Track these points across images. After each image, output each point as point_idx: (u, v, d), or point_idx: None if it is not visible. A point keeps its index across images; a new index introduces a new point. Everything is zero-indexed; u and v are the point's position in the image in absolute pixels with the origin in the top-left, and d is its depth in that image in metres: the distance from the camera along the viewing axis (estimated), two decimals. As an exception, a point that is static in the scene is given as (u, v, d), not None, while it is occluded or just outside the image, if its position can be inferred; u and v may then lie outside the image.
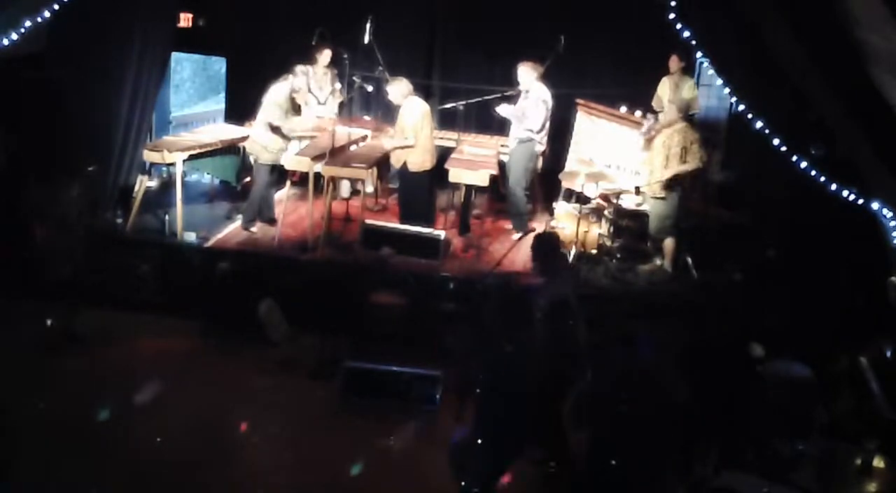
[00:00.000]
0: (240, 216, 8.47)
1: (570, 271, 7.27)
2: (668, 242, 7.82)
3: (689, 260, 7.83)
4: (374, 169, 8.57)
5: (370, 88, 9.32)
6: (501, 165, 8.64)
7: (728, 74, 7.06)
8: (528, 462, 5.07)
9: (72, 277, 7.27)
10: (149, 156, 8.16)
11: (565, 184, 8.57)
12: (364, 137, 9.04)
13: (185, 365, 6.64)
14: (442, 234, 7.79)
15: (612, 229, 8.06)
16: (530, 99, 8.26)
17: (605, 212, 8.12)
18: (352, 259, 7.78)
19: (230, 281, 7.37)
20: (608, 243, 8.03)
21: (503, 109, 8.39)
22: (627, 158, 8.66)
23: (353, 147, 8.70)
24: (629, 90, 9.32)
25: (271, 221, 8.36)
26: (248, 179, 8.76)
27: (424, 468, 5.56)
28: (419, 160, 8.04)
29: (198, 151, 8.26)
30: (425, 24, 10.22)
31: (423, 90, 9.44)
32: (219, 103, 10.75)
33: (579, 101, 9.14)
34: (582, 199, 8.01)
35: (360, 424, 6.05)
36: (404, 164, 8.10)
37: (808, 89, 6.19)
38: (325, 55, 9.01)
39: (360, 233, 7.97)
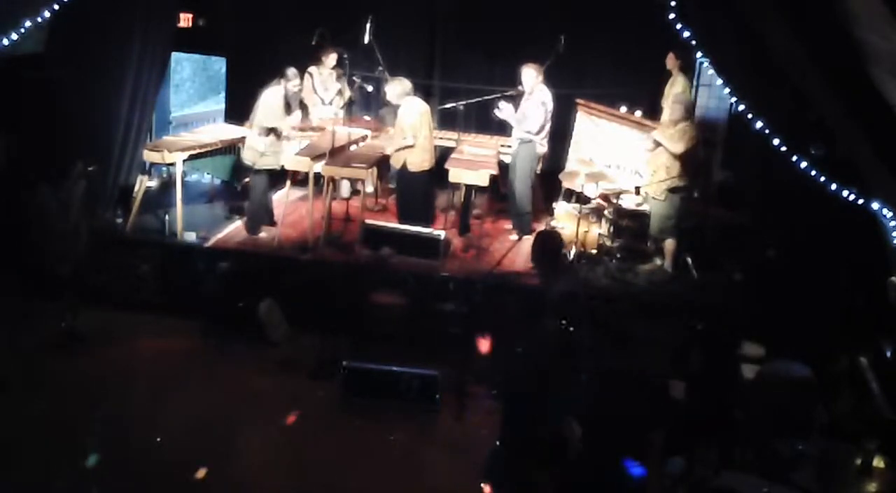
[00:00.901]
0: (239, 217, 8.47)
1: (572, 270, 7.26)
2: (669, 243, 7.81)
3: (690, 260, 7.83)
4: (374, 169, 8.58)
5: (370, 88, 9.32)
6: (501, 166, 8.64)
7: (728, 74, 7.05)
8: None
9: (72, 277, 7.27)
10: (149, 156, 8.16)
11: (565, 184, 8.56)
12: (364, 137, 9.05)
13: (184, 365, 6.66)
14: (442, 234, 7.79)
15: (612, 229, 8.06)
16: (532, 101, 8.26)
17: (605, 212, 8.11)
18: (352, 259, 7.78)
19: (230, 281, 7.38)
20: (608, 243, 8.03)
21: (502, 112, 8.38)
22: (627, 158, 8.65)
23: (353, 147, 8.70)
24: (629, 90, 9.34)
25: (271, 221, 8.36)
26: (247, 179, 8.74)
27: (424, 468, 5.57)
28: (418, 160, 8.03)
29: (198, 151, 8.26)
30: (425, 24, 10.24)
31: (423, 90, 9.45)
32: (219, 103, 10.76)
33: (579, 101, 9.14)
34: (582, 199, 8.01)
35: (360, 424, 6.05)
36: (404, 164, 8.09)
37: (808, 89, 6.17)
38: (332, 57, 9.07)
39: (360, 233, 7.97)
